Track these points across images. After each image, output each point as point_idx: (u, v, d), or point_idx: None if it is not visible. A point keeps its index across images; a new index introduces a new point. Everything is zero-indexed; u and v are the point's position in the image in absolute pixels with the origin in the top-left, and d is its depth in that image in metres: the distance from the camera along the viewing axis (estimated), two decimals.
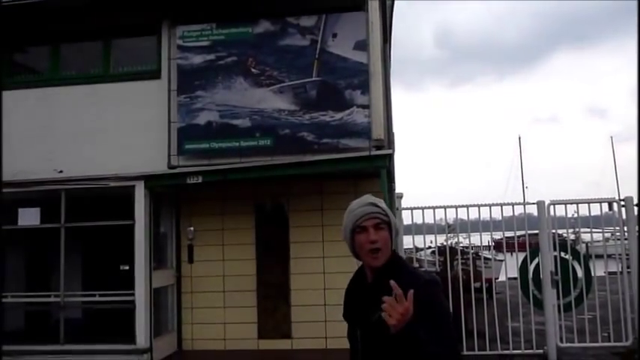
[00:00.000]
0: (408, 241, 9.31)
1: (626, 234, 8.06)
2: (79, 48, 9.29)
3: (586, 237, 11.11)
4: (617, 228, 8.19)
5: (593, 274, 8.16)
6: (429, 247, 11.48)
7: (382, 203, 2.17)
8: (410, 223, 8.57)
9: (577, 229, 8.77)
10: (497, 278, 12.46)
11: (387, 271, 2.05)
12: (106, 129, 8.49)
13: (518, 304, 8.21)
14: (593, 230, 9.44)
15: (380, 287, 1.96)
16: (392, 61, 10.49)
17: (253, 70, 8.34)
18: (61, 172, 8.33)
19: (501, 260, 12.26)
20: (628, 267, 8.05)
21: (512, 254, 9.11)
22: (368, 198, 2.19)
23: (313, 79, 8.20)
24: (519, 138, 42.06)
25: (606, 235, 8.87)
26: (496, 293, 9.07)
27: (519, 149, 34.46)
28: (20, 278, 9.15)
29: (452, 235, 8.98)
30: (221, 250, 8.74)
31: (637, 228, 8.11)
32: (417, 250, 11.30)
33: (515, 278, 8.78)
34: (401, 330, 1.84)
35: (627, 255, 8.05)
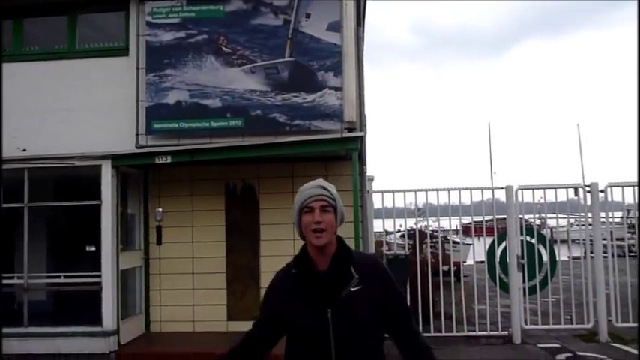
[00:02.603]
0: (377, 225, 9.37)
1: (590, 219, 8.24)
2: (44, 22, 8.97)
3: (552, 222, 11.32)
4: (582, 214, 8.36)
5: (557, 258, 8.35)
6: (399, 231, 11.59)
7: (333, 189, 2.22)
8: (380, 206, 8.63)
9: (543, 214, 8.92)
10: (465, 262, 12.64)
11: (341, 256, 2.18)
12: (73, 107, 8.25)
13: (484, 286, 8.36)
14: (559, 216, 9.63)
15: (338, 270, 2.14)
16: (365, 45, 10.41)
17: (224, 49, 8.19)
18: (24, 150, 8.08)
19: (469, 244, 12.48)
20: (591, 252, 8.25)
21: (479, 238, 9.24)
22: (319, 182, 2.24)
23: (286, 59, 8.09)
24: (489, 124, 42.48)
25: (571, 220, 9.08)
26: (463, 276, 9.23)
27: (489, 135, 34.95)
28: None
29: (421, 218, 9.04)
30: (190, 232, 8.64)
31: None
32: (387, 233, 11.37)
33: (482, 262, 8.92)
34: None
35: (591, 240, 8.24)
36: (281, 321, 2.19)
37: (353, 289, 2.10)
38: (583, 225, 8.38)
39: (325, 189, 2.20)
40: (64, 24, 8.61)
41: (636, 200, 8.29)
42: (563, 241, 9.20)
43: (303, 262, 2.20)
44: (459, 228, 11.67)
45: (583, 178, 28.73)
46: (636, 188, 8.17)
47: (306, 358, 2.13)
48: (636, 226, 8.51)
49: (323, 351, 2.08)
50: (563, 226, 12.21)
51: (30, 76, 8.42)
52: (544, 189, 8.33)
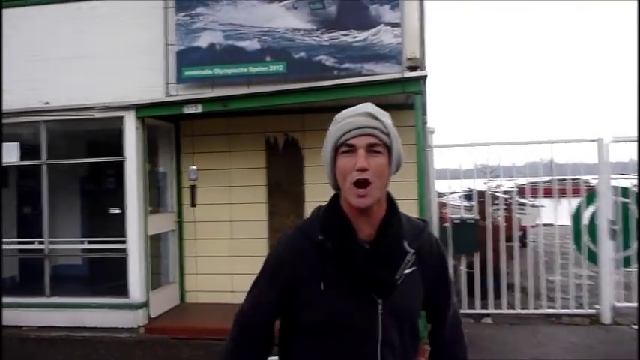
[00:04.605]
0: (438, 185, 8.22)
1: None
2: None
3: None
4: None
5: None
6: (454, 192, 10.46)
7: (387, 118, 1.53)
8: (443, 163, 7.49)
9: None
10: (534, 226, 11.36)
11: (393, 224, 1.55)
12: (95, 54, 7.33)
13: (565, 255, 7.20)
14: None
15: (390, 245, 1.51)
16: None
17: None
18: (46, 103, 7.26)
19: (541, 207, 11.19)
20: None
21: (560, 201, 7.94)
22: (366, 106, 1.54)
23: None
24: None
25: None
26: (532, 242, 8.06)
27: None
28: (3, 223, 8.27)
29: (493, 178, 7.81)
30: (228, 193, 7.72)
31: None
32: (439, 195, 10.16)
33: (554, 226, 7.64)
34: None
35: None
36: (293, 305, 1.57)
37: (407, 271, 1.51)
38: None
39: (376, 117, 1.50)
40: None
41: None
42: None
43: (339, 226, 1.52)
44: (529, 187, 10.31)
45: None
46: None
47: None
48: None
49: (365, 354, 1.50)
50: None
51: (49, 19, 7.55)
52: None
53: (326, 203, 1.63)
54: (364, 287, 1.49)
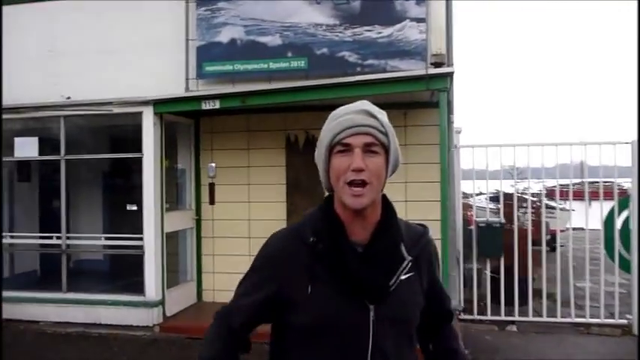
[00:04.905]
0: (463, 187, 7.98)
1: None
2: None
3: None
4: None
5: None
6: (480, 193, 10.15)
7: (384, 116, 1.47)
8: (469, 163, 7.23)
9: None
10: (563, 230, 11.00)
11: (390, 227, 1.50)
12: (115, 49, 7.27)
13: (595, 261, 6.90)
14: None
15: (384, 249, 1.46)
16: None
17: None
18: (68, 98, 7.22)
19: (570, 210, 10.85)
20: None
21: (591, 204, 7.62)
22: (363, 104, 1.50)
23: None
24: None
25: None
26: (560, 246, 7.77)
27: None
28: (24, 217, 8.27)
29: (519, 180, 7.54)
30: (247, 191, 7.59)
31: None
32: (475, 195, 9.89)
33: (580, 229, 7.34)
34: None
35: None
36: (282, 306, 1.49)
37: (403, 278, 1.46)
38: None
39: (373, 115, 1.45)
40: None
41: None
42: None
43: (331, 228, 1.47)
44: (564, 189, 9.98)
45: None
46: None
47: None
48: None
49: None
50: None
51: (70, 14, 7.49)
52: None
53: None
54: (355, 292, 1.43)
